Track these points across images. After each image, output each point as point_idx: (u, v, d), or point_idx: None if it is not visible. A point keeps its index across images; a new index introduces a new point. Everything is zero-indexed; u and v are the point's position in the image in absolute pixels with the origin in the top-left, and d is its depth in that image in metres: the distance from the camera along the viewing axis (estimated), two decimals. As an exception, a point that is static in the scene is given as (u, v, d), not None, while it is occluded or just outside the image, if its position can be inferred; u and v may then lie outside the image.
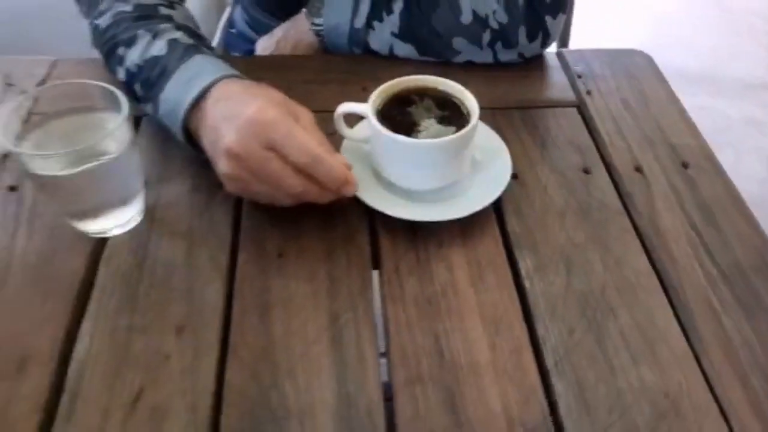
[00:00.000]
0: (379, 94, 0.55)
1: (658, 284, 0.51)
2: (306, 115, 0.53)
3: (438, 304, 0.50)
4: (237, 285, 0.52)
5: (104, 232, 0.54)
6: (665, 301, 0.50)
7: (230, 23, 0.99)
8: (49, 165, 0.49)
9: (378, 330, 0.49)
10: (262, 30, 0.85)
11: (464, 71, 0.62)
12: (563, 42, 1.78)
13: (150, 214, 0.56)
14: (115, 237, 0.54)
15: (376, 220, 0.56)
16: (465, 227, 0.55)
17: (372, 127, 0.53)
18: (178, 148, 0.60)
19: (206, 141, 0.53)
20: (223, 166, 0.51)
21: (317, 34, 0.74)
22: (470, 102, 0.55)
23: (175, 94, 0.55)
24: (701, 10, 2.21)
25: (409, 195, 0.56)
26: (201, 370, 0.46)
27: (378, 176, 0.57)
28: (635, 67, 0.73)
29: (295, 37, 0.76)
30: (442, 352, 0.47)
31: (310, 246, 0.54)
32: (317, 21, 0.74)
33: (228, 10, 1.14)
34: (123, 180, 0.53)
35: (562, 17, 0.70)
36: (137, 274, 0.52)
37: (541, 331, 0.48)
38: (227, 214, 0.57)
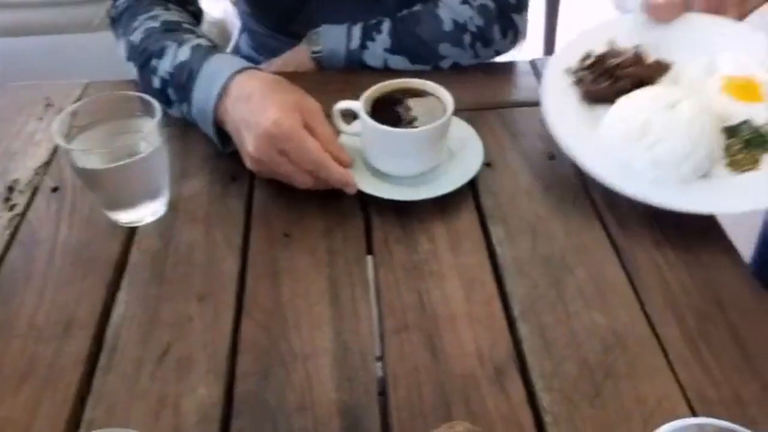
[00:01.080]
0: (368, 94, 0.65)
1: (611, 247, 0.59)
2: (317, 109, 0.64)
3: (422, 269, 0.59)
4: (250, 259, 0.60)
5: (136, 222, 0.63)
6: (616, 259, 0.58)
7: (236, 50, 1.10)
8: (92, 160, 0.59)
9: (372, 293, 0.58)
10: (267, 52, 0.96)
11: (448, 78, 0.71)
12: (549, 50, 1.92)
13: (174, 205, 0.65)
14: (145, 225, 0.64)
15: (368, 203, 0.65)
16: (444, 206, 0.64)
17: (362, 120, 0.63)
18: (197, 148, 0.70)
19: (234, 137, 0.65)
20: (248, 164, 0.64)
21: (316, 60, 0.84)
22: (446, 98, 0.64)
23: (204, 92, 0.66)
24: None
25: (394, 180, 0.65)
26: (219, 327, 0.55)
27: (368, 165, 0.66)
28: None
29: (295, 65, 0.86)
30: (424, 305, 0.56)
31: (312, 226, 0.63)
32: (315, 49, 0.84)
33: (232, 43, 1.26)
34: (153, 175, 0.62)
35: (525, 15, 0.83)
36: (164, 254, 0.61)
37: (509, 287, 0.57)
38: (240, 203, 0.66)
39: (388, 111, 0.64)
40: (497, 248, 0.60)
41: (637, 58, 0.69)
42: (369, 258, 0.61)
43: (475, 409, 0.48)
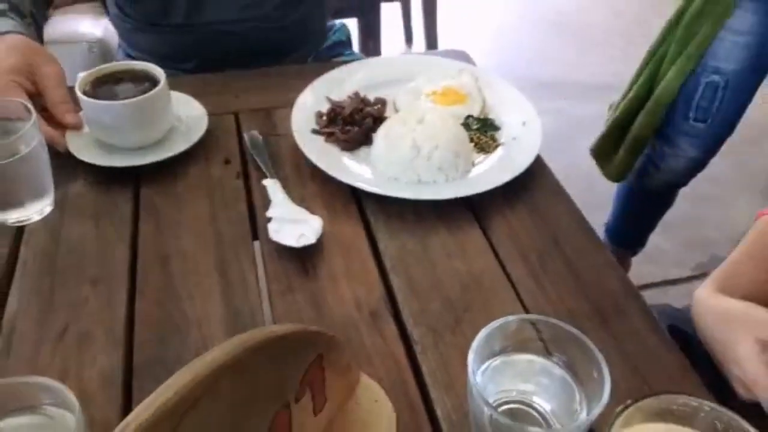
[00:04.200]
0: (86, 76, 0.77)
1: (467, 208, 0.73)
2: (51, 75, 0.77)
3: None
4: (140, 247, 0.69)
5: (23, 221, 0.70)
6: (472, 217, 0.72)
7: None
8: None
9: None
10: (141, 51, 1.05)
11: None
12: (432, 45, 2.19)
13: (60, 203, 0.73)
14: (32, 224, 0.71)
15: (252, 189, 0.75)
16: (324, 186, 0.75)
17: (80, 100, 0.75)
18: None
19: None
20: None
21: None
22: (158, 73, 0.78)
23: None
24: (545, 29, 2.74)
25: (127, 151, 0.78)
26: (115, 305, 0.63)
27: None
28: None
29: None
30: (307, 270, 0.66)
31: (198, 214, 0.73)
32: None
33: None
34: (34, 174, 0.70)
35: None
36: (54, 246, 0.68)
37: (382, 247, 0.69)
38: (127, 199, 0.74)
39: (108, 90, 0.78)
40: (371, 218, 0.72)
41: (362, 102, 0.85)
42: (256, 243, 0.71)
43: (355, 348, 0.59)
